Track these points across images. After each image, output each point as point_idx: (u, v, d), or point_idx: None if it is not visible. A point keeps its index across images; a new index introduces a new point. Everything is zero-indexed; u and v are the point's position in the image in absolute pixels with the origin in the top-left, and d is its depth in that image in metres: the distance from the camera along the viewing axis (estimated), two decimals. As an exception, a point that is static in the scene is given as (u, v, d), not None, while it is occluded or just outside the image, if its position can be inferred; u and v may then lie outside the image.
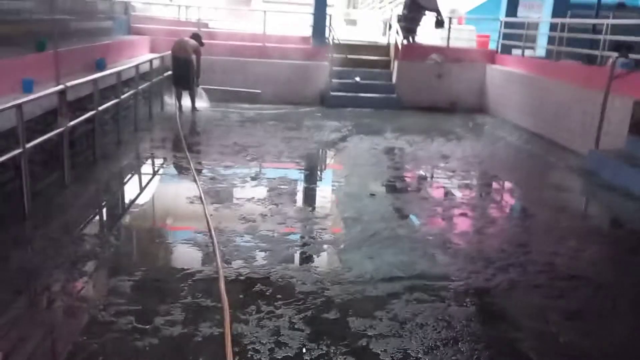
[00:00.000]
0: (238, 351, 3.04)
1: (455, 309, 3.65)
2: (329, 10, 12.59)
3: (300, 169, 7.23)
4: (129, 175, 6.69)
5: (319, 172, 7.45)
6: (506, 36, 12.78)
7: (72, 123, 5.78)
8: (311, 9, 12.75)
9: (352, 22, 24.89)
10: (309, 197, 6.12)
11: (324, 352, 3.09)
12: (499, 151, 8.76)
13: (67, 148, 5.61)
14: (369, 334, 3.30)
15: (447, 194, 6.41)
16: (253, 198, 5.66)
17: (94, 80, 6.44)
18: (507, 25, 12.84)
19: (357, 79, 12.32)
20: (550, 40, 11.17)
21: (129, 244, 4.65)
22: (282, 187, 6.11)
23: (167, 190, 6.16)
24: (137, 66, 8.45)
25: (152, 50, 11.32)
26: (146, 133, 8.55)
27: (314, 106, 11.64)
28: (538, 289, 4.05)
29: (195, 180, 6.05)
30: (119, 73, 7.48)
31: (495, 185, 6.98)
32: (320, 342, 3.17)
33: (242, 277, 3.92)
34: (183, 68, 10.13)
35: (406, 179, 7.01)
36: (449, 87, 12.53)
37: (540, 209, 6.05)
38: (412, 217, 5.56)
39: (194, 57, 10.17)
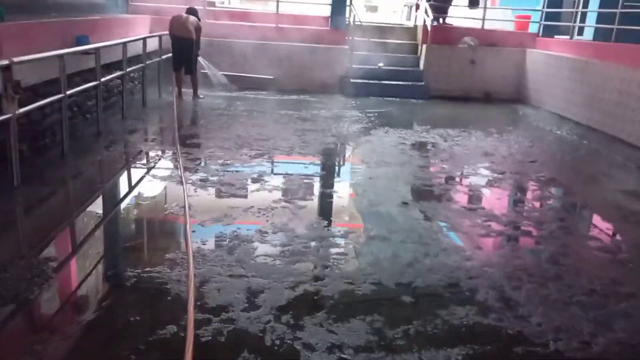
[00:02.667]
0: None
1: (550, 402, 2.33)
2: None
3: (314, 169, 5.94)
4: (98, 176, 5.36)
5: (336, 174, 6.11)
6: (549, 16, 11.30)
7: (23, 110, 4.55)
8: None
9: (373, 9, 23.55)
10: (324, 207, 4.76)
11: None
12: (552, 148, 7.34)
13: (15, 141, 4.38)
14: None
15: (500, 204, 5.05)
16: (252, 208, 4.39)
17: (60, 57, 5.20)
18: (550, 4, 11.35)
19: (381, 64, 10.99)
20: (603, 19, 9.68)
21: (65, 277, 3.34)
22: (290, 193, 4.84)
23: (141, 196, 4.79)
24: (124, 44, 7.22)
25: (153, 32, 10.07)
26: (136, 123, 7.33)
27: (332, 94, 10.35)
28: (664, 361, 2.72)
29: (182, 183, 4.80)
30: (98, 52, 6.26)
31: (558, 192, 5.59)
32: None
33: (221, 338, 2.64)
34: (185, 50, 8.90)
35: (444, 183, 5.65)
36: (484, 74, 11.15)
37: (627, 226, 4.68)
38: (459, 238, 4.21)
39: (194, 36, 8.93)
